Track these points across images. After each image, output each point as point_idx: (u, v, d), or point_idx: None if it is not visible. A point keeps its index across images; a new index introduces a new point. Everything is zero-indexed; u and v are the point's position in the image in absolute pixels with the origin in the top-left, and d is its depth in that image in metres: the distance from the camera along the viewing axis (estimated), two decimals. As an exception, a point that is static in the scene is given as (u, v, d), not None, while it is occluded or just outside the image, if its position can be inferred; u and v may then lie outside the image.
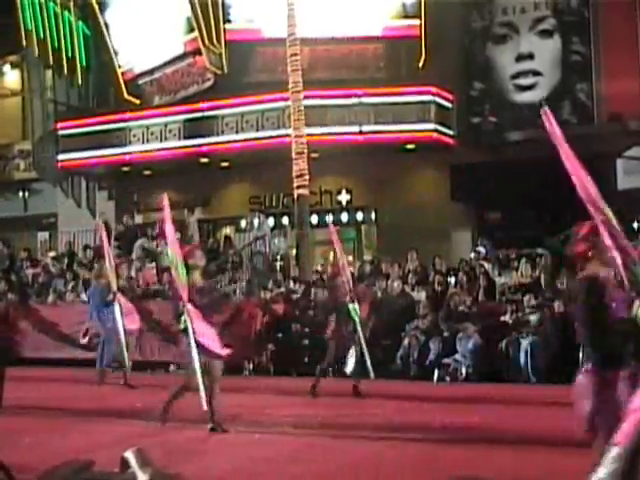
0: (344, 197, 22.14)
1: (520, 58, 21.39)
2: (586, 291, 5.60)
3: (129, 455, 1.14)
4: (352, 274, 12.34)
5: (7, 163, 28.29)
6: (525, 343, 13.39)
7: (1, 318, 13.59)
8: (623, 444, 4.76)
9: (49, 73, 26.57)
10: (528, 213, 20.36)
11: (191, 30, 22.16)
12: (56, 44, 25.62)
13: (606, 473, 4.56)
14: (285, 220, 21.62)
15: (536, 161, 19.28)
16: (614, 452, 4.68)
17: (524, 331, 13.66)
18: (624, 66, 19.69)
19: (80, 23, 25.76)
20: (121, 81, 24.55)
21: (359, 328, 11.98)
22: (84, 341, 15.91)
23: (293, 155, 18.36)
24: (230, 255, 19.64)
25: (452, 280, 16.12)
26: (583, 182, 5.09)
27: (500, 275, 15.93)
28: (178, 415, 9.42)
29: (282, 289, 17.07)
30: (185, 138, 21.69)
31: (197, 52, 22.26)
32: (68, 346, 16.51)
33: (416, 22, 21.42)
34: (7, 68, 29.02)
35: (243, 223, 21.83)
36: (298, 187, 18.49)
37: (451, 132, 20.99)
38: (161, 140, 22.11)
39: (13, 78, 29.10)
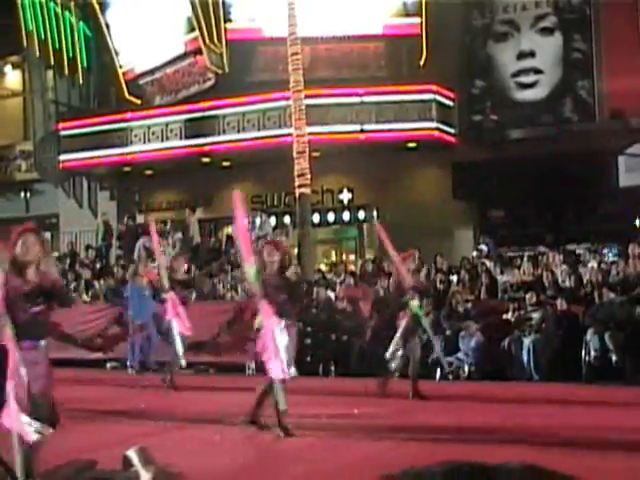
0: (346, 196, 22.14)
1: (521, 56, 21.40)
2: None
3: (131, 454, 1.14)
4: (408, 269, 12.00)
5: (8, 164, 28.31)
6: (527, 341, 13.37)
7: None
8: None
9: (50, 73, 26.61)
10: (530, 211, 20.39)
11: (192, 30, 22.18)
12: (57, 44, 25.66)
13: None
14: (287, 219, 21.64)
15: (538, 159, 19.39)
16: None
17: (526, 329, 13.64)
18: (625, 63, 19.69)
19: (81, 23, 25.78)
20: (122, 81, 24.56)
21: (426, 325, 11.74)
22: (136, 339, 15.70)
23: (294, 154, 18.34)
24: (232, 254, 19.63)
25: (454, 278, 16.13)
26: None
27: (502, 273, 15.93)
28: (179, 414, 9.42)
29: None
30: (186, 138, 21.70)
31: (198, 52, 22.28)
32: (71, 346, 16.51)
33: (417, 20, 21.45)
34: (8, 69, 29.07)
35: (245, 222, 21.79)
36: (300, 186, 18.48)
37: (452, 130, 21.01)
38: (162, 140, 22.11)
39: (14, 79, 29.12)
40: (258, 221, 20.40)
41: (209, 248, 21.09)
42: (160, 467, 1.28)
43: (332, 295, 16.32)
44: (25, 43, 25.98)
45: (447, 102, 20.91)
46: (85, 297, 18.38)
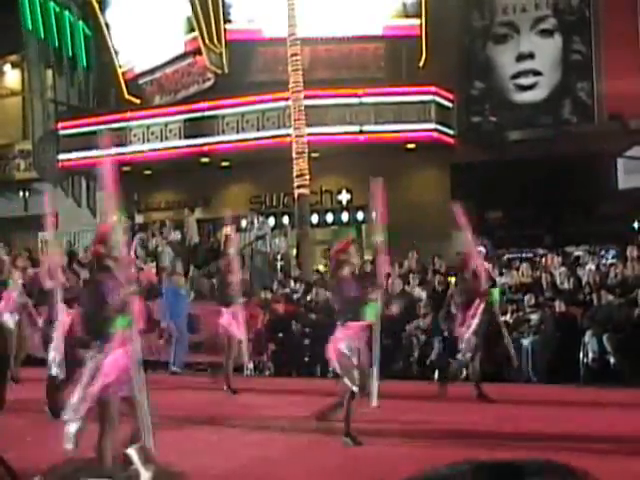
0: (344, 197, 22.16)
1: (520, 57, 21.39)
2: None
3: (132, 452, 1.14)
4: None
5: (7, 163, 28.31)
6: (526, 342, 13.40)
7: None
8: None
9: (49, 73, 26.61)
10: (529, 212, 20.38)
11: (191, 30, 22.17)
12: (56, 44, 25.69)
13: None
14: (285, 220, 21.65)
15: (536, 160, 19.39)
16: None
17: (525, 330, 13.67)
18: (625, 65, 19.67)
19: (80, 23, 25.78)
20: (121, 81, 24.57)
21: (501, 321, 11.59)
22: (160, 342, 15.40)
23: (293, 155, 18.37)
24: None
25: (453, 280, 16.11)
26: None
27: (501, 275, 15.92)
28: (178, 415, 9.42)
29: (287, 289, 17.10)
30: (185, 138, 21.70)
31: (197, 52, 22.28)
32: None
33: (416, 21, 21.45)
34: (7, 68, 29.04)
35: (244, 223, 21.84)
36: (299, 187, 18.51)
37: (451, 131, 21.02)
38: (161, 140, 22.12)
39: (13, 78, 29.11)
40: (257, 222, 20.43)
41: (207, 248, 21.08)
42: (160, 466, 1.27)
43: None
44: (24, 42, 26.01)
45: (446, 103, 20.92)
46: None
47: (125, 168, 23.33)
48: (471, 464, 0.82)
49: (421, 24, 21.33)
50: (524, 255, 17.94)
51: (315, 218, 21.00)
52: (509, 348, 12.26)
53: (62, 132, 23.98)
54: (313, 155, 18.78)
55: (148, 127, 22.38)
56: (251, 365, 15.36)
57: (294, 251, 19.99)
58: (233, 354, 12.75)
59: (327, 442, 8.70)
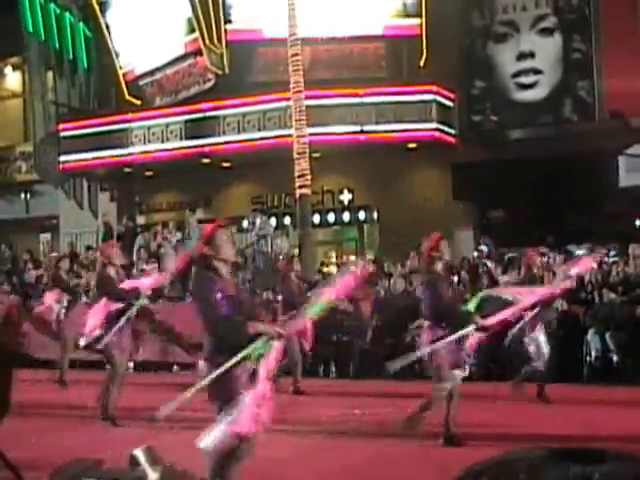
0: (346, 197, 22.14)
1: (521, 56, 21.39)
2: None
3: (138, 453, 1.14)
4: None
5: (9, 165, 28.33)
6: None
7: (6, 320, 13.56)
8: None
9: (50, 75, 26.61)
10: (530, 211, 20.35)
11: (192, 31, 22.16)
12: (57, 46, 25.69)
13: None
14: (287, 220, 21.62)
15: (538, 159, 19.38)
16: None
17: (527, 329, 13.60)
18: (625, 63, 19.63)
19: (81, 25, 25.78)
20: (122, 82, 24.55)
21: None
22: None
23: (295, 155, 18.33)
24: (233, 255, 19.59)
25: (455, 279, 16.10)
26: None
27: (503, 273, 15.90)
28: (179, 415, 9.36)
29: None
30: (186, 139, 21.67)
31: (198, 53, 22.26)
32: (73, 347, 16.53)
33: (417, 21, 21.43)
34: (8, 70, 29.08)
35: (245, 223, 21.82)
36: (300, 187, 18.47)
37: (452, 131, 21.00)
38: (162, 141, 22.09)
39: (14, 80, 29.12)
40: (258, 222, 20.40)
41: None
42: (167, 466, 1.27)
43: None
44: (25, 44, 26.01)
45: (447, 103, 20.89)
46: (85, 298, 18.33)
47: (126, 169, 23.41)
48: (550, 449, 0.81)
49: (421, 24, 21.31)
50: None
51: (317, 218, 20.99)
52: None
53: (63, 134, 23.94)
54: (314, 155, 18.74)
55: (149, 128, 22.35)
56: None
57: (296, 251, 19.95)
58: None
59: (332, 442, 8.68)
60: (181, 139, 21.79)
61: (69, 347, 14.32)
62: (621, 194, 19.62)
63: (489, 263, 16.27)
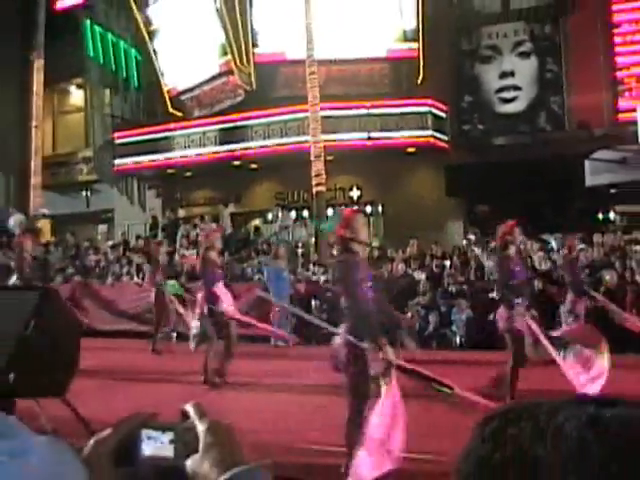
0: (355, 193, 22.02)
1: (503, 75, 21.25)
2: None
3: (188, 407, 1.09)
4: None
5: (72, 168, 28.39)
6: (510, 315, 13.25)
7: (70, 296, 13.50)
8: None
9: (107, 92, 26.74)
10: (511, 206, 20.17)
11: (225, 54, 22.07)
12: (113, 68, 25.76)
13: None
14: (305, 213, 21.51)
15: (517, 162, 19.26)
16: None
17: (509, 305, 13.51)
18: (590, 82, 19.56)
19: (133, 50, 25.80)
20: (166, 97, 24.48)
21: None
22: (276, 325, 13.99)
23: (312, 158, 18.26)
24: (259, 243, 19.59)
25: (447, 263, 16.00)
26: None
27: (488, 259, 15.79)
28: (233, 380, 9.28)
29: (308, 272, 17.02)
30: (220, 144, 21.62)
31: (230, 72, 22.16)
32: (125, 319, 16.52)
33: (415, 45, 21.26)
34: (73, 88, 29.25)
35: (270, 216, 21.76)
36: (316, 185, 18.39)
37: (445, 138, 20.84)
38: (200, 146, 22.06)
39: (78, 97, 29.20)
40: (281, 215, 20.36)
41: (239, 238, 21.01)
42: (213, 419, 1.23)
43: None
44: (87, 67, 26.06)
45: (441, 114, 20.75)
46: (136, 278, 18.30)
47: (169, 171, 23.38)
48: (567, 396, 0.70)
49: (419, 48, 21.14)
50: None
51: (330, 211, 20.88)
52: None
53: (117, 141, 23.98)
54: (328, 158, 18.64)
55: (189, 136, 22.32)
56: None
57: (312, 240, 19.86)
58: None
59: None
60: (215, 145, 21.74)
61: (162, 320, 13.82)
62: (586, 192, 19.50)
63: (476, 249, 16.15)
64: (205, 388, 9.46)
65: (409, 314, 14.18)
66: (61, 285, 16.81)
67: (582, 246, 15.84)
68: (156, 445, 1.12)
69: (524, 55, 21.14)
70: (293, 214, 21.26)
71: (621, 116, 19.75)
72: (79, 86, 28.74)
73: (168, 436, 1.13)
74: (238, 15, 21.61)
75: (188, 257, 18.96)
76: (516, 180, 19.11)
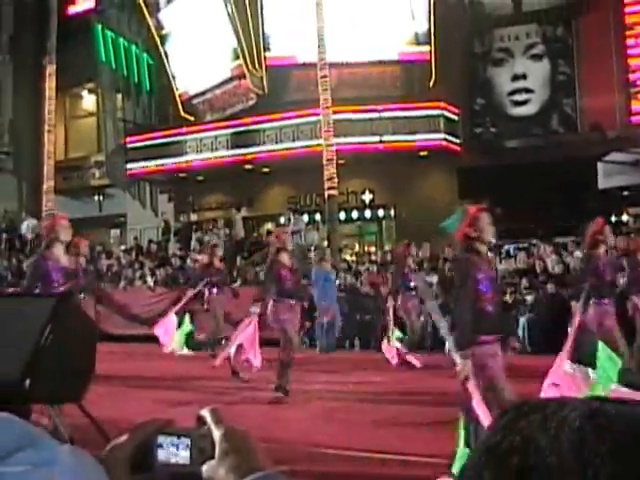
0: (367, 197, 22.00)
1: (515, 78, 21.22)
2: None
3: (205, 413, 1.09)
4: None
5: (85, 172, 28.44)
6: (523, 319, 13.24)
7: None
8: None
9: (119, 96, 26.78)
10: (524, 209, 20.18)
11: (236, 58, 22.11)
12: (125, 72, 25.84)
13: None
14: (317, 217, 21.52)
15: (530, 165, 19.21)
16: None
17: (522, 309, 13.51)
18: (603, 84, 19.50)
19: (145, 54, 25.88)
20: (178, 101, 24.55)
21: None
22: (324, 321, 13.83)
23: (324, 162, 18.27)
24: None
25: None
26: None
27: (501, 262, 15.78)
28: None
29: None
30: (232, 148, 21.64)
31: (242, 76, 22.21)
32: (137, 324, 16.53)
33: (427, 48, 21.25)
34: (85, 93, 29.28)
35: (282, 219, 21.79)
36: (328, 189, 18.40)
37: (457, 141, 20.82)
38: (212, 150, 22.09)
39: (90, 101, 29.24)
40: (293, 218, 20.37)
41: (252, 241, 21.04)
42: (229, 425, 1.24)
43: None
44: (99, 71, 26.16)
45: (453, 117, 20.72)
46: (149, 282, 18.36)
47: (182, 175, 23.43)
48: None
49: (431, 51, 21.13)
50: (520, 245, 17.78)
51: (342, 215, 20.87)
52: None
53: (129, 145, 24.03)
54: (340, 162, 18.64)
55: (201, 140, 22.35)
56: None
57: (325, 243, 19.87)
58: None
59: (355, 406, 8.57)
60: (227, 149, 21.77)
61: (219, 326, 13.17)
62: (599, 195, 19.44)
63: (489, 253, 16.09)
64: (215, 392, 9.47)
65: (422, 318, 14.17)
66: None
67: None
68: (172, 451, 1.12)
69: (536, 57, 21.10)
70: (305, 218, 21.26)
71: (634, 118, 19.71)
72: (91, 91, 28.84)
73: (184, 442, 1.13)
74: (249, 19, 21.66)
75: (199, 260, 19.00)
76: (529, 183, 19.07)
